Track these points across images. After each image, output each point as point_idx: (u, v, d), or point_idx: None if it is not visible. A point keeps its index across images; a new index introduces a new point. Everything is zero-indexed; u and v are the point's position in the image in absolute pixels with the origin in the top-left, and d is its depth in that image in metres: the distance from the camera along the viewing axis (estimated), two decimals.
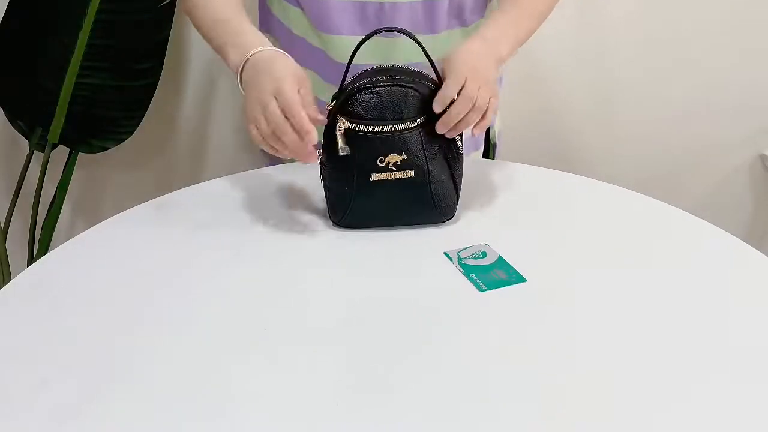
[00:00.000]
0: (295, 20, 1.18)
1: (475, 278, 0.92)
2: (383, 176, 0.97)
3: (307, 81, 0.97)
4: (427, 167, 0.98)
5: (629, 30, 1.76)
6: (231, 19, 1.05)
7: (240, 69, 0.98)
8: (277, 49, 1.00)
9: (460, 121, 0.96)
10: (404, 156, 0.96)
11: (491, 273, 0.93)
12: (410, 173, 0.97)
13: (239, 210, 1.05)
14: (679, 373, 0.78)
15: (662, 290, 0.91)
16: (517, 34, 1.10)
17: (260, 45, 0.99)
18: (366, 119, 0.95)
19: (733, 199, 1.95)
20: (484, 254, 0.97)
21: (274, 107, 0.92)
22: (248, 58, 0.98)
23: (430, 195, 0.99)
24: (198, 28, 1.10)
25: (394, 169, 0.97)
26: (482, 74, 0.98)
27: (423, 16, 1.15)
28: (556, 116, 1.85)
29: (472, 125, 0.98)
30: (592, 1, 1.73)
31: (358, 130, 0.95)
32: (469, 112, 0.96)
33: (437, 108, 0.96)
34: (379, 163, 0.96)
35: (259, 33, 1.04)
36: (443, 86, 0.97)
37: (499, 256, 0.96)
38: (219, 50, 1.05)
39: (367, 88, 0.95)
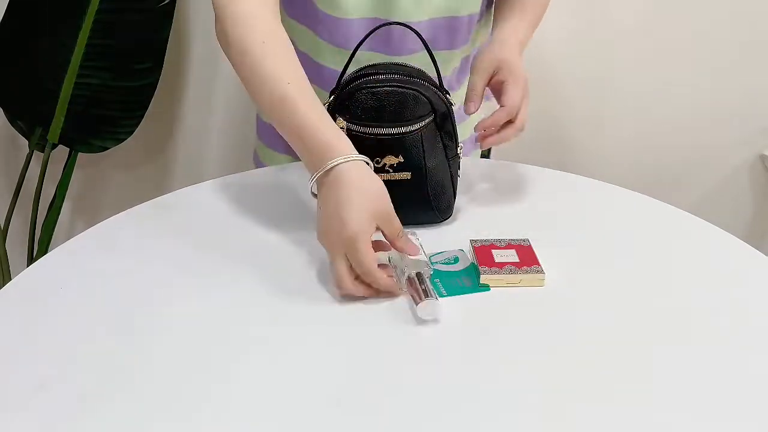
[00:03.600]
0: (300, 36, 1.17)
1: (439, 283, 0.90)
2: (380, 177, 0.96)
3: (387, 213, 0.87)
4: (425, 169, 0.96)
5: (630, 31, 1.76)
6: (295, 97, 0.90)
7: (316, 176, 0.88)
8: (357, 157, 0.88)
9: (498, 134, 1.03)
10: (401, 158, 0.95)
11: (456, 279, 0.91)
12: (407, 175, 0.96)
13: (239, 210, 1.05)
14: (677, 374, 0.78)
15: (661, 290, 0.91)
16: (531, 27, 1.16)
17: (338, 148, 0.87)
18: (363, 120, 0.94)
19: (733, 199, 1.95)
20: (456, 260, 0.94)
21: (357, 258, 0.84)
22: (330, 169, 0.86)
23: (427, 196, 0.98)
24: (245, 82, 0.96)
25: (391, 170, 0.96)
26: (527, 87, 1.04)
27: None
28: (556, 117, 1.85)
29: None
30: (592, 3, 1.73)
31: (355, 131, 0.94)
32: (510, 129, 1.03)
33: (503, 117, 1.02)
34: (375, 164, 0.95)
35: (332, 123, 0.90)
36: (510, 97, 1.02)
37: (472, 263, 0.93)
38: (283, 130, 0.93)
39: (366, 88, 0.93)
